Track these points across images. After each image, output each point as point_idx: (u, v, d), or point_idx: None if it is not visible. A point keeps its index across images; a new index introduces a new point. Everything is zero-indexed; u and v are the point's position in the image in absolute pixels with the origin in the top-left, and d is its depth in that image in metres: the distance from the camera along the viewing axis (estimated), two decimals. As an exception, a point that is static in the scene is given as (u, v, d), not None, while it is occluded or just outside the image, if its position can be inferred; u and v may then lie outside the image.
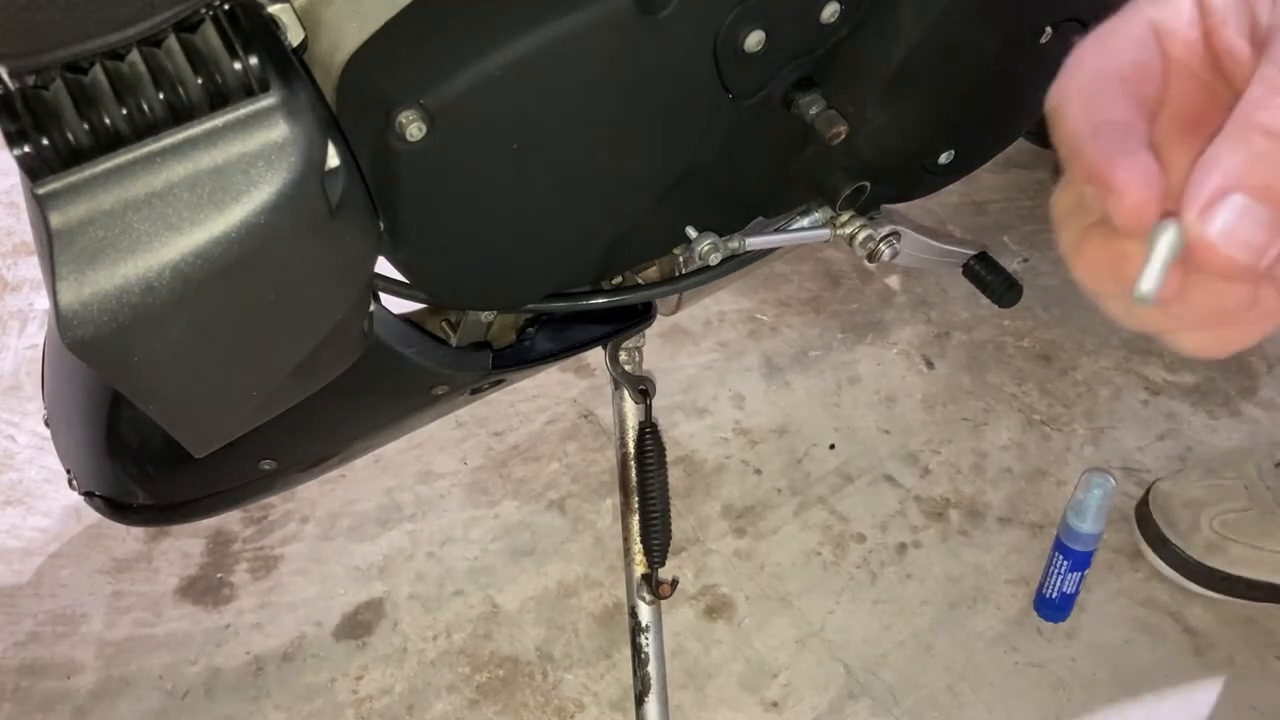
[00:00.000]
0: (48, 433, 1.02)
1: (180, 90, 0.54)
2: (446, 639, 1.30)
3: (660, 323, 1.04)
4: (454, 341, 0.93)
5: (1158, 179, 0.36)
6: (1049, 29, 0.87)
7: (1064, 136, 0.39)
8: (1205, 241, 0.34)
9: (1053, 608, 1.29)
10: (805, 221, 0.96)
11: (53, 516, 1.41)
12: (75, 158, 0.53)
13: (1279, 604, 1.30)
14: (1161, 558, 1.33)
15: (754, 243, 0.89)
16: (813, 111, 0.80)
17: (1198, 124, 0.40)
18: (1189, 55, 0.40)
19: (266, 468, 0.93)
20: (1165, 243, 0.36)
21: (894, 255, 0.96)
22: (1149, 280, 0.36)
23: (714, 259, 0.86)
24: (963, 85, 0.88)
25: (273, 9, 0.62)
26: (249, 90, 0.54)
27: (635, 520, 1.11)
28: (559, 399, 1.56)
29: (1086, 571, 1.27)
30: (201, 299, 0.56)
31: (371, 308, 0.80)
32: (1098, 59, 0.40)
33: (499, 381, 0.97)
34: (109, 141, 0.53)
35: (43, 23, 0.50)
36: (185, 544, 1.39)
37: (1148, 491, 1.37)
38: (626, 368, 1.07)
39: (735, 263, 0.91)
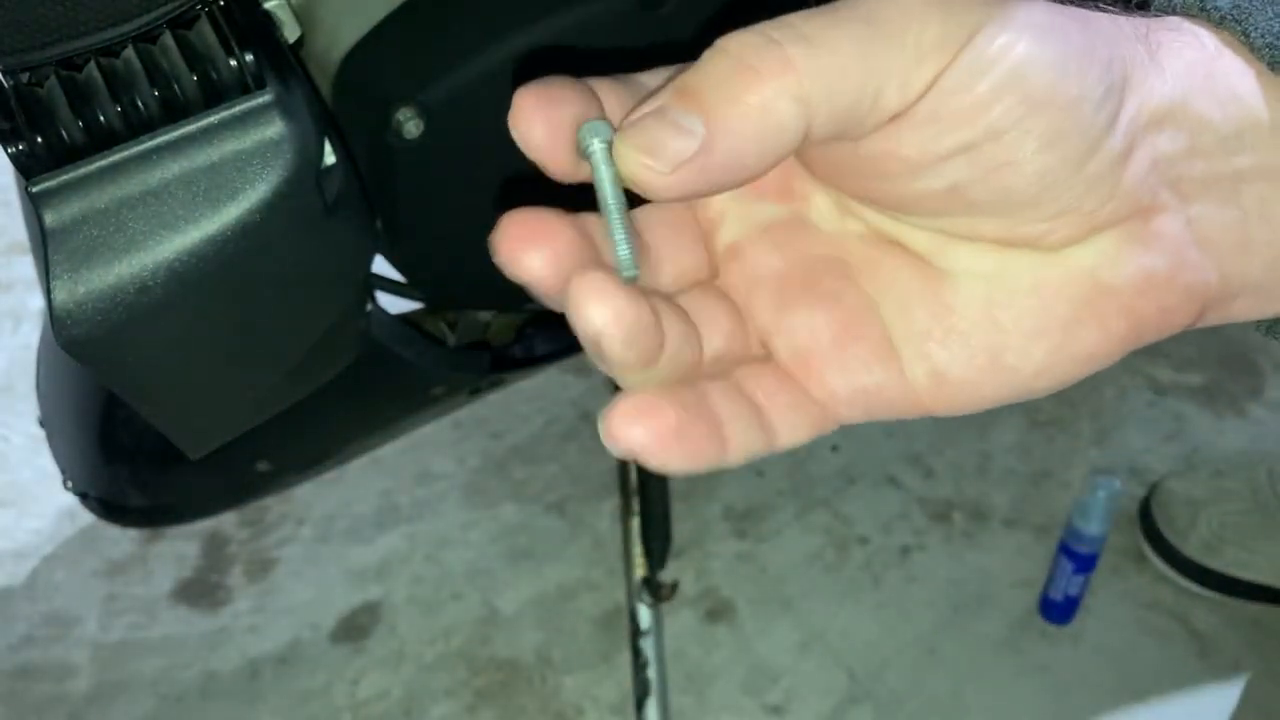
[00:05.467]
0: (42, 433, 1.01)
1: (175, 87, 0.53)
2: (444, 642, 1.29)
3: (661, 323, 1.03)
4: (452, 341, 0.92)
5: (563, 96, 0.31)
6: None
7: None
8: (618, 146, 0.30)
9: (1058, 610, 1.28)
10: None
11: (47, 518, 1.40)
12: (70, 155, 0.52)
13: (1284, 606, 1.29)
14: (1160, 555, 1.33)
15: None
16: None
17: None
18: None
19: (262, 469, 0.92)
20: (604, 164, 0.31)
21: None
22: (620, 247, 0.31)
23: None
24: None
25: (269, 5, 0.61)
26: (245, 87, 0.54)
27: (635, 522, 1.10)
28: (558, 400, 1.55)
29: (1091, 574, 1.26)
30: (196, 298, 0.55)
31: (369, 308, 0.79)
32: None
33: (498, 382, 0.96)
34: (103, 139, 0.52)
35: (36, 19, 0.49)
36: (180, 546, 1.38)
37: (1152, 489, 1.37)
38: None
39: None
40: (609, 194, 0.31)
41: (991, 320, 0.33)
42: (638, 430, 0.31)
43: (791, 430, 0.34)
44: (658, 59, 0.73)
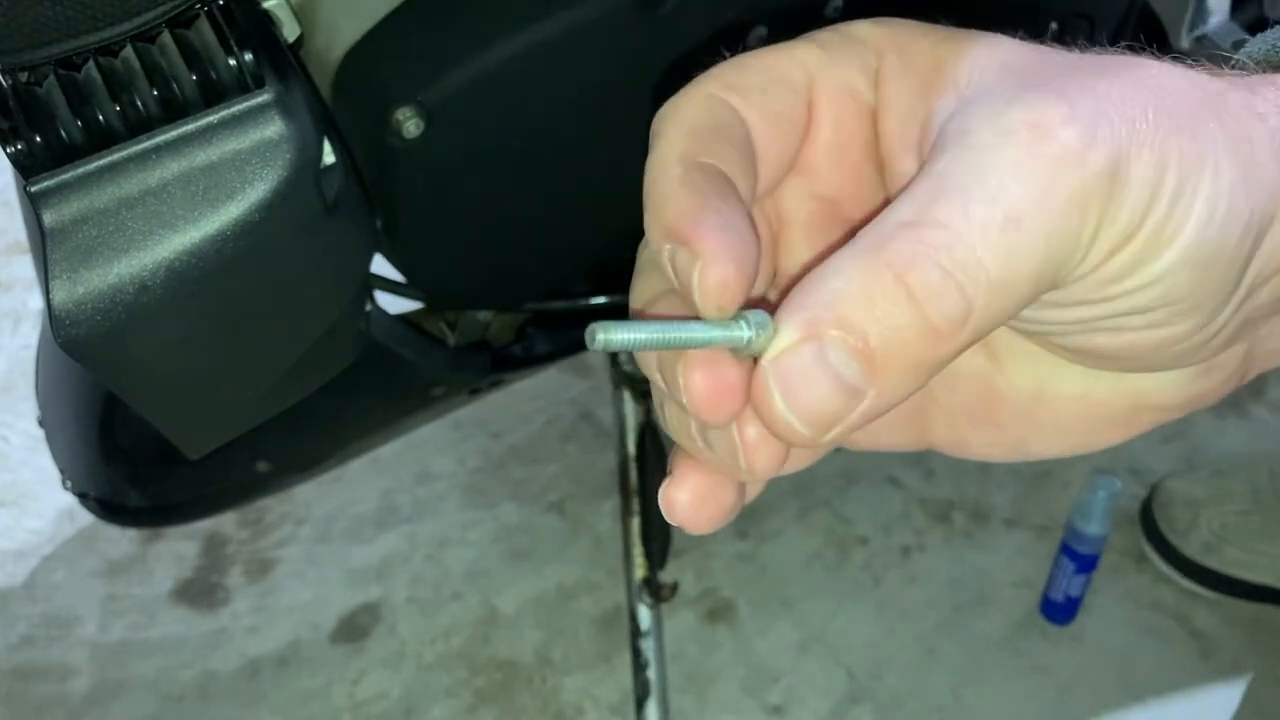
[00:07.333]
0: (42, 433, 1.01)
1: (174, 87, 0.53)
2: (444, 642, 1.29)
3: (661, 323, 1.03)
4: (452, 341, 0.92)
5: (752, 255, 0.27)
6: (1054, 24, 0.86)
7: (650, 167, 0.30)
8: (763, 384, 0.26)
9: (1058, 611, 1.28)
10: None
11: (46, 518, 1.40)
12: (69, 155, 0.52)
13: (1284, 607, 1.29)
14: (1160, 555, 1.33)
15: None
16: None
17: (833, 211, 0.33)
18: (845, 125, 0.32)
19: (262, 469, 0.92)
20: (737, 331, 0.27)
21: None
22: (620, 329, 0.26)
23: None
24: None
25: (269, 5, 0.61)
26: (244, 86, 0.53)
27: (635, 522, 1.10)
28: (558, 400, 1.55)
29: (1092, 574, 1.26)
30: (196, 298, 0.55)
31: (369, 308, 0.79)
32: (725, 81, 0.32)
33: (498, 382, 0.96)
34: (102, 138, 0.52)
35: (35, 19, 0.49)
36: (180, 546, 1.38)
37: (1152, 489, 1.37)
38: (627, 368, 1.06)
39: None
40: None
41: (1030, 416, 0.34)
42: (699, 512, 0.31)
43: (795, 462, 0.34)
44: (657, 58, 0.73)
